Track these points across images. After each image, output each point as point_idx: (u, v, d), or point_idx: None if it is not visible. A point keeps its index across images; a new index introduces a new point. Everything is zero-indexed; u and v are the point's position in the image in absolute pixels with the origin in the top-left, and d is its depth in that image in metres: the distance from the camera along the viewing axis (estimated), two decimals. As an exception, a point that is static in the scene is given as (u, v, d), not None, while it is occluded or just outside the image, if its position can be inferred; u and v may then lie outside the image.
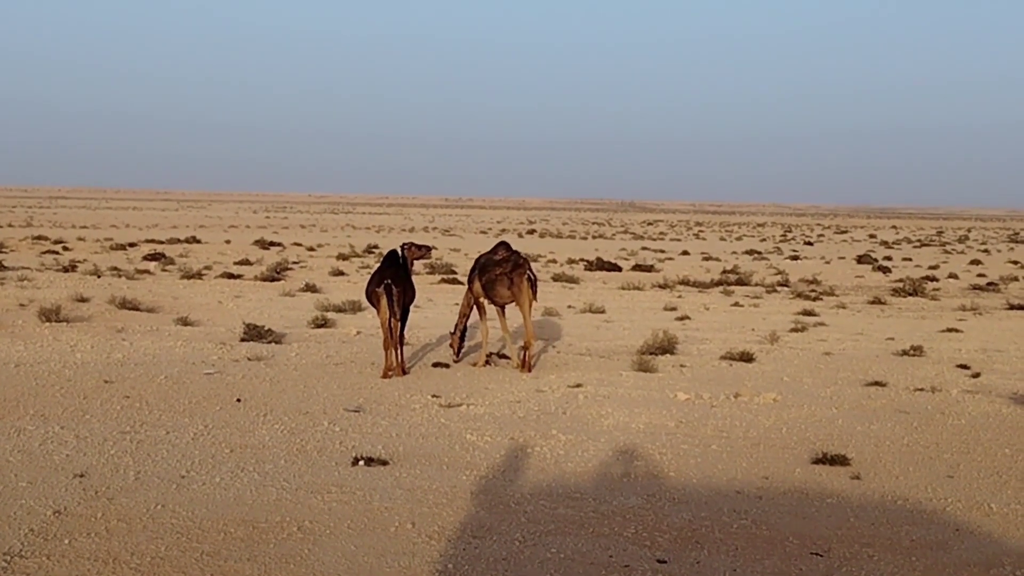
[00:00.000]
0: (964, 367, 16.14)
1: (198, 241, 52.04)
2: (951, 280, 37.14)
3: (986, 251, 63.83)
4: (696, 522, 8.33)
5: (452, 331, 15.64)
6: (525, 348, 15.05)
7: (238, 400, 12.33)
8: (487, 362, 15.32)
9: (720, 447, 10.79)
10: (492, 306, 15.47)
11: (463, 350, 15.73)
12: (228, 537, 7.65)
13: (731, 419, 12.10)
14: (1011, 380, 15.09)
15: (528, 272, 15.04)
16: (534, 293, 15.11)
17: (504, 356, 15.80)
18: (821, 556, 7.68)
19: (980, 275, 39.77)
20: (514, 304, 15.14)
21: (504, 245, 15.58)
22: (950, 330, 21.19)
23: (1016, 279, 37.68)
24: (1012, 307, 26.35)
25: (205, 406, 11.99)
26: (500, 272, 15.03)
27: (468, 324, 15.67)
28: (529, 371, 14.80)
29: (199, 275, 30.43)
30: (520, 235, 76.31)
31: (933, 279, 36.71)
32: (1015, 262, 50.02)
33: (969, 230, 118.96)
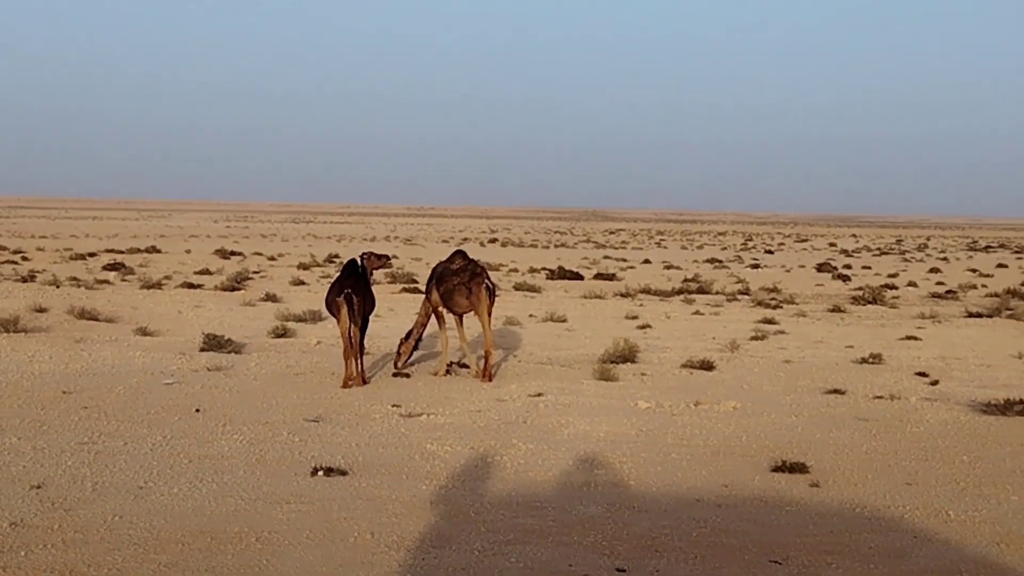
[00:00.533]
0: (923, 375, 16.26)
1: (158, 251, 51.68)
2: (910, 288, 37.41)
3: (945, 259, 64.34)
4: (656, 530, 8.35)
5: (404, 337, 15.56)
6: (485, 357, 15.03)
7: (197, 410, 12.26)
8: (448, 371, 15.30)
9: (680, 455, 10.83)
10: (451, 315, 15.44)
11: (412, 359, 15.69)
12: (187, 548, 7.60)
13: (691, 427, 12.15)
14: (969, 388, 15.22)
15: (486, 281, 15.02)
16: (491, 304, 15.06)
17: (464, 365, 15.77)
18: (780, 564, 7.71)
19: (939, 283, 40.05)
20: (473, 313, 15.13)
21: (460, 254, 15.57)
22: (909, 338, 21.35)
23: (975, 287, 37.96)
24: (971, 315, 26.53)
25: (164, 416, 11.91)
26: (458, 281, 15.02)
27: (425, 333, 15.64)
28: (489, 380, 14.78)
29: (159, 285, 30.21)
30: (482, 244, 76.37)
31: (892, 287, 36.96)
32: (974, 270, 50.44)
33: (928, 239, 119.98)
